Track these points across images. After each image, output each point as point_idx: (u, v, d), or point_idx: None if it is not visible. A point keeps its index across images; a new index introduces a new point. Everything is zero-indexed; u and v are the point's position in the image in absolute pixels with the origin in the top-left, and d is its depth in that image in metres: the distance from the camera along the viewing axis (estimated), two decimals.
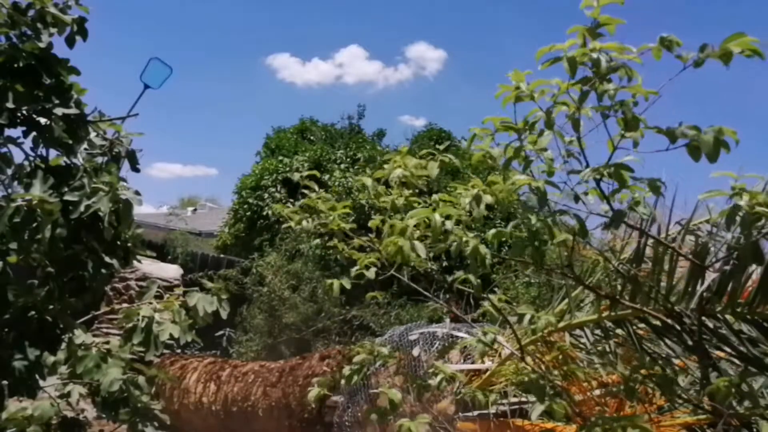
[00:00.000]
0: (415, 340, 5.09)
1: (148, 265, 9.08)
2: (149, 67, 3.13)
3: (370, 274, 2.81)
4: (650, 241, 2.87)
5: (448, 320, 5.94)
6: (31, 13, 2.66)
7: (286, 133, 17.56)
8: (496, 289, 9.01)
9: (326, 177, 14.29)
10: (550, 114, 2.08)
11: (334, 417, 5.41)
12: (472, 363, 4.32)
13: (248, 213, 15.44)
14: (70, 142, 2.70)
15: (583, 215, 2.19)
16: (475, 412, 3.70)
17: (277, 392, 6.47)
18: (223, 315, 2.93)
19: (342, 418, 5.30)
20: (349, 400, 5.29)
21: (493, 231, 2.33)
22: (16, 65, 2.61)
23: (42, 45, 2.64)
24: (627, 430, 1.96)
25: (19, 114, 2.63)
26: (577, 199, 2.16)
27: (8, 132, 2.63)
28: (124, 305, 4.69)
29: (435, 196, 2.49)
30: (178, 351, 8.74)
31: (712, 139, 1.84)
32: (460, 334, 4.85)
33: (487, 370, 3.73)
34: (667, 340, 2.90)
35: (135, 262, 2.99)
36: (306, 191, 2.98)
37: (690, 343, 2.68)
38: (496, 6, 47.11)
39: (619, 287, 2.88)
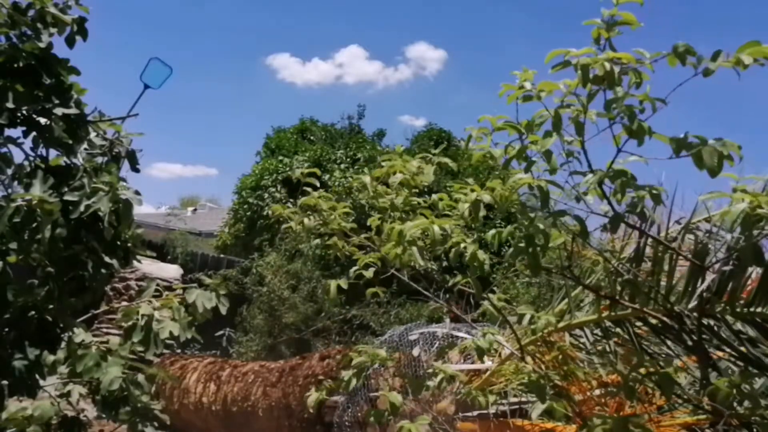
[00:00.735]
0: (415, 340, 5.09)
1: (148, 265, 9.09)
2: (149, 67, 3.13)
3: (369, 273, 2.81)
4: (650, 240, 2.87)
5: (448, 320, 5.94)
6: (31, 13, 2.66)
7: (286, 133, 17.56)
8: (495, 289, 9.01)
9: (326, 177, 14.29)
10: (558, 115, 2.07)
11: (334, 417, 5.41)
12: (472, 363, 4.32)
13: (248, 213, 15.44)
14: (70, 142, 2.70)
15: (583, 215, 2.20)
16: (475, 412, 3.70)
17: (277, 392, 6.47)
18: (222, 311, 2.93)
19: (342, 418, 5.30)
20: (349, 401, 5.29)
21: (492, 232, 2.33)
22: (16, 65, 2.61)
23: (42, 45, 2.64)
24: (627, 430, 1.96)
25: (19, 114, 2.62)
26: (578, 199, 2.15)
27: (8, 132, 2.63)
28: (124, 305, 4.69)
29: (434, 196, 2.50)
30: (178, 351, 8.74)
31: (715, 152, 1.81)
32: (460, 334, 4.85)
33: (487, 370, 3.73)
34: (667, 340, 2.90)
35: (135, 262, 2.99)
36: (307, 188, 2.98)
37: (690, 343, 2.68)
38: (496, 6, 47.14)
39: (619, 287, 2.87)
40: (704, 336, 2.59)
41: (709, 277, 2.62)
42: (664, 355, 2.83)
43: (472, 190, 2.32)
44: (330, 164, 15.44)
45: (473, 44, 50.65)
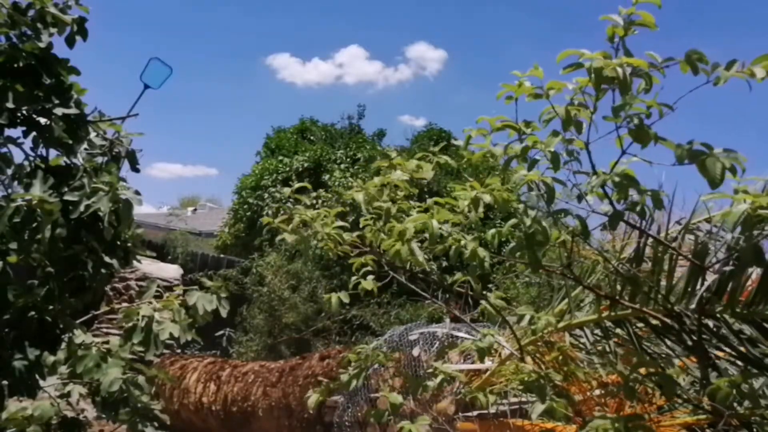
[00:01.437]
0: (414, 340, 5.09)
1: (148, 265, 9.09)
2: (149, 67, 3.13)
3: (368, 284, 2.81)
4: (650, 240, 2.87)
5: (448, 320, 5.95)
6: (31, 13, 2.66)
7: (286, 133, 17.56)
8: (493, 288, 9.01)
9: (326, 177, 14.29)
10: (569, 113, 2.06)
11: (334, 417, 5.41)
12: (472, 363, 4.32)
13: (248, 213, 15.44)
14: (70, 142, 2.70)
15: (583, 214, 2.19)
16: (475, 412, 3.70)
17: (277, 392, 6.47)
18: (223, 313, 2.93)
19: (342, 418, 5.30)
20: (349, 401, 5.29)
21: (492, 231, 2.33)
22: (16, 65, 2.61)
23: (42, 45, 2.64)
24: (627, 430, 1.96)
25: (19, 114, 2.62)
26: (580, 198, 2.15)
27: (8, 132, 2.64)
28: (124, 305, 4.69)
29: (429, 201, 2.49)
30: (178, 351, 8.74)
31: (719, 166, 1.79)
32: (460, 334, 4.85)
33: (487, 370, 3.73)
34: (667, 340, 2.90)
35: (135, 262, 2.99)
36: (299, 205, 2.93)
37: (690, 343, 2.68)
38: (496, 6, 47.15)
39: (619, 287, 2.88)
40: (704, 336, 2.59)
41: (709, 277, 2.62)
42: (664, 355, 2.83)
43: (472, 188, 2.32)
44: (330, 164, 15.44)
45: (473, 44, 50.71)
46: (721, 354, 2.74)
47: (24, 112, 2.63)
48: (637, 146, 1.99)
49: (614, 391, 2.70)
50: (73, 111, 2.70)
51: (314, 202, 2.99)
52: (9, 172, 2.55)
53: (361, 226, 2.73)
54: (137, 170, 2.99)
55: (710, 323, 2.70)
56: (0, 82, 2.55)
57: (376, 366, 3.26)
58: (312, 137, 17.54)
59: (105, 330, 8.02)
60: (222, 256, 14.25)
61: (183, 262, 12.25)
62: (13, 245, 2.42)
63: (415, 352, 4.92)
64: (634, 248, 2.98)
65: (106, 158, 2.87)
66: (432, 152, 2.76)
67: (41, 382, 2.69)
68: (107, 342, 3.03)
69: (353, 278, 2.86)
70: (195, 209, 29.89)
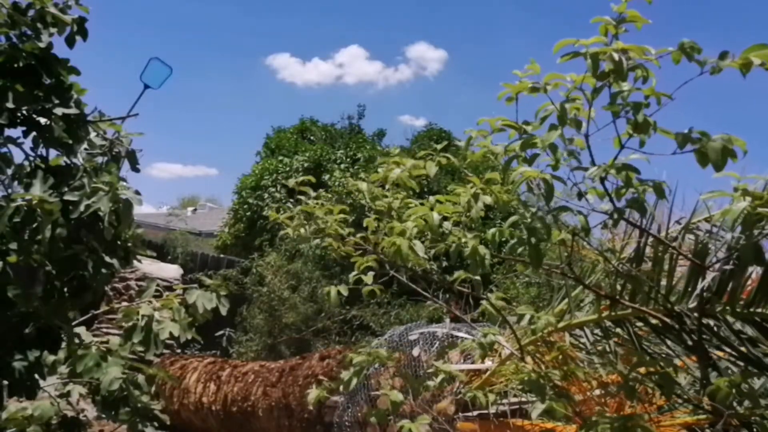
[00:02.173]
0: (415, 340, 5.09)
1: (148, 265, 9.09)
2: (149, 67, 3.13)
3: (368, 279, 2.81)
4: (650, 240, 2.87)
5: (448, 320, 5.94)
6: (31, 13, 2.66)
7: (286, 133, 17.56)
8: (494, 288, 9.00)
9: (326, 177, 14.29)
10: (564, 108, 2.06)
11: (334, 417, 5.40)
12: (472, 363, 4.32)
13: (248, 213, 15.44)
14: (70, 142, 2.70)
15: (584, 213, 2.19)
16: (475, 412, 3.70)
17: (277, 392, 6.47)
18: (223, 311, 2.93)
19: (342, 418, 5.29)
20: (349, 401, 5.29)
21: (492, 230, 2.33)
22: (16, 65, 2.61)
23: (42, 45, 2.64)
24: (627, 430, 1.96)
25: (19, 114, 2.63)
26: (580, 196, 2.15)
27: (8, 132, 2.64)
28: (124, 305, 4.69)
29: (431, 198, 2.49)
30: (178, 351, 8.75)
31: (720, 147, 1.80)
32: (460, 334, 4.85)
33: (487, 370, 3.73)
34: (667, 340, 2.90)
35: (135, 262, 2.99)
36: (301, 197, 2.96)
37: (690, 342, 2.68)
38: (496, 6, 47.15)
39: (619, 287, 2.87)
40: (704, 336, 2.59)
41: (709, 276, 2.62)
42: (664, 355, 2.83)
43: (472, 183, 2.32)
44: (330, 164, 15.44)
45: (473, 44, 50.72)
46: (721, 354, 2.74)
47: (24, 112, 2.63)
48: (636, 143, 2.00)
49: (614, 391, 2.70)
50: (73, 111, 2.70)
51: (314, 202, 2.99)
52: (9, 172, 2.55)
53: (363, 225, 2.74)
54: (137, 170, 2.99)
55: (710, 323, 2.70)
56: (0, 82, 2.55)
57: (376, 366, 3.26)
58: (312, 137, 17.54)
59: (105, 330, 8.02)
60: (222, 256, 14.24)
61: (183, 262, 12.25)
62: (13, 245, 2.42)
63: (415, 352, 4.92)
64: (634, 248, 2.98)
65: (106, 158, 2.88)
66: (434, 150, 2.76)
67: (41, 382, 2.69)
68: (107, 341, 3.03)
69: (353, 274, 2.86)
70: (195, 209, 29.90)
